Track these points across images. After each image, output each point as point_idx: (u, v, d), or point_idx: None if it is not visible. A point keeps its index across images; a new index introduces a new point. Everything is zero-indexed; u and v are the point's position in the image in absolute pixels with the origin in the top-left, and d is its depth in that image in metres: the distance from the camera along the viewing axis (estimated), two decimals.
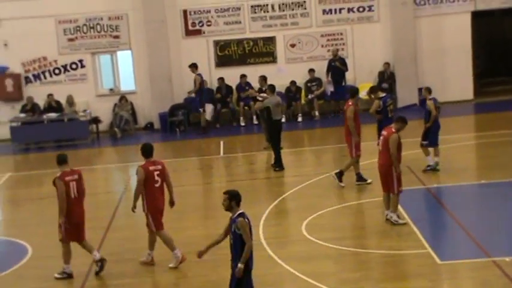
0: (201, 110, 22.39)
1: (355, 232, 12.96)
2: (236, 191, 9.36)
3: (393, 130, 12.61)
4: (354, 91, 15.84)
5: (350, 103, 15.17)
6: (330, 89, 23.48)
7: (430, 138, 15.77)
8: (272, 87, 17.36)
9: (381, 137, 12.80)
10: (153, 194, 11.59)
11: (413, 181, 15.11)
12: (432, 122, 15.69)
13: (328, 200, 14.48)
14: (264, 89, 19.11)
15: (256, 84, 21.29)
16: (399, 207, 12.90)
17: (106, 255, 11.88)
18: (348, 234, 12.77)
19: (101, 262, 11.65)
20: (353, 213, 13.98)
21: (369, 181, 15.10)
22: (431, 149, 15.89)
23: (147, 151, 11.76)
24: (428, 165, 15.88)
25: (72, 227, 11.46)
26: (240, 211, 9.24)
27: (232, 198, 9.26)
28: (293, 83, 23.34)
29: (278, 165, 17.20)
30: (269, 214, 13.99)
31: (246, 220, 9.16)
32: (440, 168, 15.79)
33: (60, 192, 11.28)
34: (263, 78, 19.61)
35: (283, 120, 19.94)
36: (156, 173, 11.58)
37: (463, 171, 15.95)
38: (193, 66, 22.03)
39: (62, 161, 11.56)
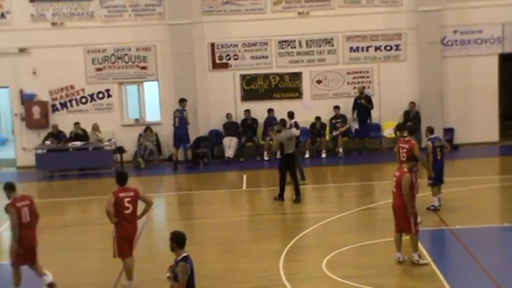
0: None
1: (376, 271, 12.83)
2: (180, 232, 9.36)
3: (405, 170, 12.60)
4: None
5: (413, 141, 15.09)
6: (355, 126, 23.49)
7: (434, 178, 15.74)
8: (283, 122, 17.98)
9: (394, 178, 12.74)
10: (122, 220, 11.87)
11: (436, 221, 15.01)
12: (432, 162, 15.61)
13: (349, 238, 14.40)
14: (290, 124, 19.41)
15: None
16: (421, 247, 12.80)
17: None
18: (369, 272, 12.65)
19: (52, 286, 12.02)
20: (374, 251, 13.87)
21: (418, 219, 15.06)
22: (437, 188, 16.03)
23: (119, 178, 12.10)
24: (432, 205, 15.91)
25: (24, 251, 11.82)
26: (185, 254, 9.24)
27: (174, 240, 9.29)
28: (318, 119, 23.37)
29: (297, 196, 17.54)
30: (290, 250, 13.93)
31: (189, 265, 9.18)
32: (440, 207, 15.89)
33: (12, 218, 11.70)
34: (289, 115, 19.74)
35: (307, 156, 20.09)
36: (126, 199, 11.87)
37: (487, 214, 15.81)
38: (185, 101, 22.51)
39: (11, 188, 11.98)
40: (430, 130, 16.15)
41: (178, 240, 9.25)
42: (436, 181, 15.84)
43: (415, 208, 12.60)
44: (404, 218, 12.57)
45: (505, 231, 14.78)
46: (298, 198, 17.62)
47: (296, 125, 20.05)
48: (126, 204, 11.88)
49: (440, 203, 16.09)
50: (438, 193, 16.03)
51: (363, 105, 23.26)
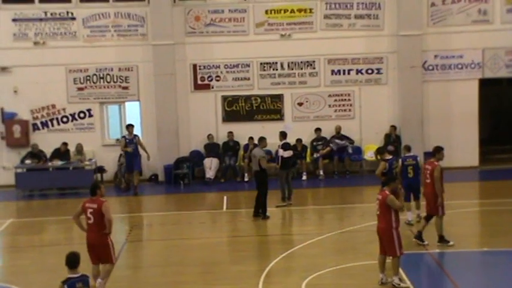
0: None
1: None
2: (70, 253, 9.45)
3: (387, 192, 12.65)
4: (439, 148, 15.54)
5: (436, 162, 15.04)
6: (336, 145, 23.49)
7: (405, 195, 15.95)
8: (261, 139, 18.51)
9: (377, 201, 12.76)
10: (87, 228, 12.58)
11: (415, 245, 15.01)
12: (400, 179, 15.86)
13: (329, 260, 14.38)
14: (279, 144, 19.70)
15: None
16: (400, 270, 12.81)
17: None
18: None
19: None
20: (353, 274, 13.84)
21: (425, 243, 15.05)
22: (412, 204, 16.62)
23: (90, 189, 12.70)
24: (407, 220, 16.42)
25: None
26: (68, 276, 9.30)
27: (66, 261, 9.42)
28: (299, 141, 23.41)
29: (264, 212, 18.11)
30: (269, 271, 13.88)
31: (66, 286, 9.25)
32: (414, 222, 16.46)
33: None
34: (282, 134, 19.76)
35: (290, 177, 20.23)
36: (89, 210, 12.42)
37: (466, 238, 15.85)
38: (133, 127, 22.43)
39: None
40: (407, 148, 16.65)
41: (66, 260, 9.37)
42: (407, 197, 16.19)
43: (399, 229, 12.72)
44: (389, 240, 12.58)
45: (483, 255, 14.83)
46: (263, 214, 18.21)
47: (283, 146, 20.18)
48: (89, 215, 12.43)
49: (419, 219, 16.46)
50: (416, 209, 16.59)
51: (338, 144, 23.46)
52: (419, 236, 15.18)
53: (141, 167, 22.85)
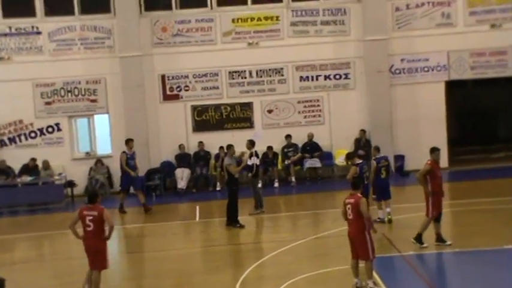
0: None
1: None
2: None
3: (359, 195, 12.70)
4: (433, 148, 15.96)
5: (429, 163, 15.53)
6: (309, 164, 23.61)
7: (377, 193, 16.91)
8: (229, 147, 18.50)
9: (349, 205, 12.76)
10: (84, 235, 12.72)
11: (389, 248, 15.09)
12: (372, 180, 16.73)
13: (304, 267, 14.37)
14: (252, 152, 19.69)
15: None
16: (374, 274, 12.85)
17: None
18: None
19: None
20: (328, 280, 13.85)
21: (448, 243, 15.10)
22: (383, 203, 17.10)
23: (88, 197, 12.98)
24: (378, 218, 16.83)
25: None
26: None
27: None
28: (270, 148, 23.44)
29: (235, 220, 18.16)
30: (244, 280, 13.84)
31: None
32: (388, 221, 16.90)
33: None
34: (250, 143, 19.83)
35: (259, 185, 20.20)
36: (88, 218, 12.58)
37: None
38: (132, 141, 21.15)
39: None
40: (377, 149, 16.92)
41: None
42: (380, 197, 16.94)
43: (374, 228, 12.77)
44: (362, 244, 12.61)
45: (456, 256, 14.94)
46: (235, 223, 18.19)
47: (256, 154, 20.21)
48: (88, 222, 12.57)
49: (390, 218, 17.01)
50: (386, 207, 17.05)
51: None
52: (418, 238, 15.19)
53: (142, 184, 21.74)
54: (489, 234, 15.82)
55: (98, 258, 12.66)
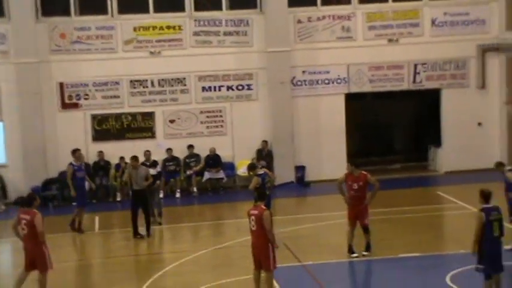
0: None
1: None
2: None
3: (263, 207, 12.71)
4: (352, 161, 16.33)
5: (364, 172, 15.78)
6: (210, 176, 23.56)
7: (485, 262, 13.71)
8: (134, 158, 18.20)
9: (253, 217, 12.73)
10: (23, 237, 13.02)
11: (289, 258, 15.19)
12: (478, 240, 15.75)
13: (205, 277, 14.33)
14: (148, 163, 19.60)
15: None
16: (275, 283, 12.90)
17: None
18: None
19: None
20: None
21: (355, 255, 15.28)
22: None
23: (24, 200, 13.29)
24: None
25: None
26: None
27: None
28: (175, 158, 23.26)
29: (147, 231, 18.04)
30: None
31: None
32: None
33: None
34: (149, 152, 19.62)
35: (161, 196, 20.02)
36: (23, 221, 12.85)
37: (337, 248, 16.15)
38: (79, 151, 19.73)
39: None
40: (486, 197, 15.59)
41: None
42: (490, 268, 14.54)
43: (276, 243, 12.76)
44: (265, 255, 12.60)
45: (354, 264, 15.19)
46: (148, 233, 17.98)
47: (154, 164, 19.98)
48: (22, 226, 12.87)
49: None
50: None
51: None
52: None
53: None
54: (386, 244, 16.15)
55: (38, 261, 12.88)
